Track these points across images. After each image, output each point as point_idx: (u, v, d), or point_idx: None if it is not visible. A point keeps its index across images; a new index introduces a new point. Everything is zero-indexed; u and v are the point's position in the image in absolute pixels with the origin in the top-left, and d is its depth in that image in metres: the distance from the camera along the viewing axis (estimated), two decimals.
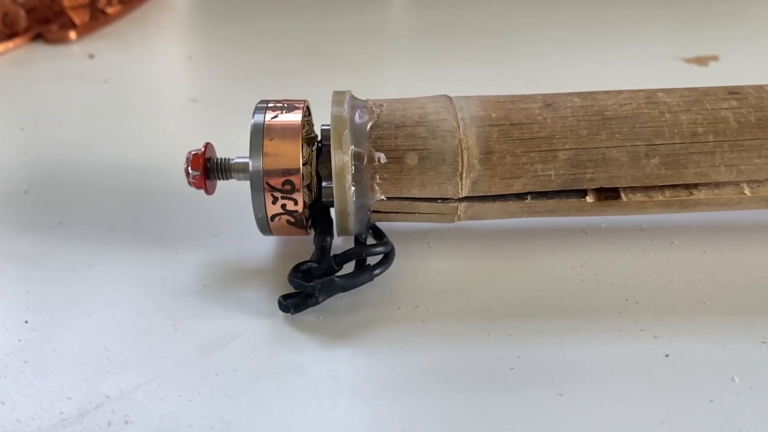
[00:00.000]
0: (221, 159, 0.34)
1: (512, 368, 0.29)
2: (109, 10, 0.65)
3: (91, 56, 0.59)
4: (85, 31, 0.62)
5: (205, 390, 0.28)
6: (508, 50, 0.62)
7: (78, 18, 0.61)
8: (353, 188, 0.31)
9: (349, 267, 0.33)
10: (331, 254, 0.32)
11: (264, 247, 0.36)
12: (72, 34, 0.61)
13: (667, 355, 0.30)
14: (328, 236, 0.33)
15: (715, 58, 0.58)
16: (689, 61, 0.57)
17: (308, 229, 0.34)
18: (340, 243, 0.36)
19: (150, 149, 0.45)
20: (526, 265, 0.35)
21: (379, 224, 0.35)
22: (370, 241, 0.34)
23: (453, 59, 0.60)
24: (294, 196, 0.31)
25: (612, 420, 0.27)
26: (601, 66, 0.58)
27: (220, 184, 0.35)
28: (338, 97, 0.32)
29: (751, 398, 0.28)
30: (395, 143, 0.31)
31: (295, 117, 0.32)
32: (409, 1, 0.77)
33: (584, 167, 0.31)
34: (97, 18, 0.64)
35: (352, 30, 0.67)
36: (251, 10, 0.72)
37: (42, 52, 0.60)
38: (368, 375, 0.29)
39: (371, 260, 0.33)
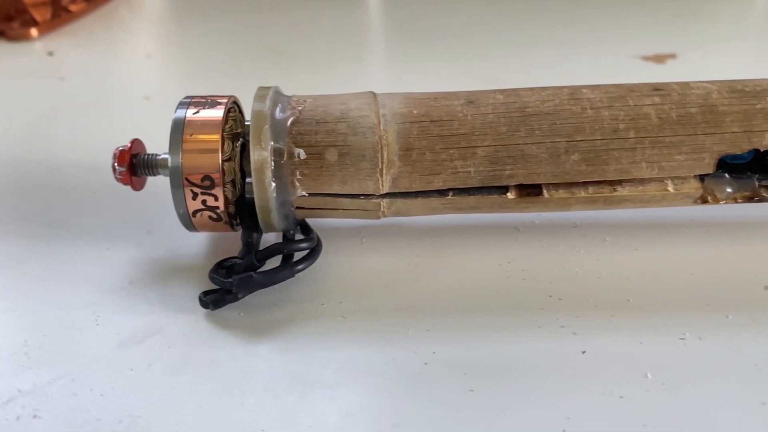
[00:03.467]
0: (148, 155, 0.34)
1: (426, 363, 0.29)
2: (73, 7, 0.65)
3: (51, 53, 0.59)
4: (47, 28, 0.62)
5: (118, 385, 0.28)
6: (474, 49, 0.62)
7: (39, 15, 0.61)
8: (273, 184, 0.31)
9: (277, 262, 0.33)
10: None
11: (196, 243, 0.36)
12: (33, 32, 0.61)
13: (583, 352, 0.30)
14: (254, 232, 0.33)
15: (673, 56, 0.58)
16: (647, 59, 0.57)
17: (235, 226, 0.34)
18: (275, 239, 0.36)
19: (96, 146, 0.45)
20: (455, 262, 0.35)
21: (312, 221, 0.35)
22: (299, 237, 0.34)
23: (424, 59, 0.60)
24: (214, 192, 0.31)
25: (517, 416, 0.27)
26: (559, 63, 0.58)
27: (160, 181, 0.36)
28: (261, 92, 0.32)
29: (660, 394, 0.27)
30: (315, 139, 0.31)
31: (217, 113, 0.32)
32: (383, 1, 0.78)
33: (503, 164, 0.31)
34: (60, 15, 0.64)
35: (321, 29, 0.67)
36: (225, 9, 0.72)
37: (2, 49, 0.61)
38: (282, 371, 0.29)
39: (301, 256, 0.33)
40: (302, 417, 0.27)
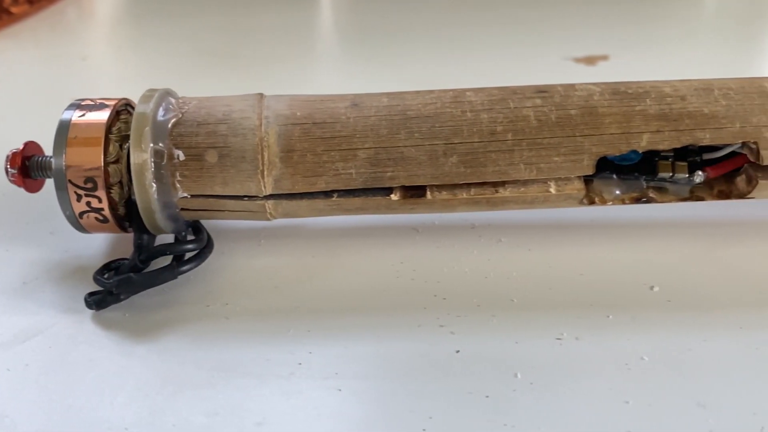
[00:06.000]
0: (41, 158, 0.34)
1: (300, 363, 0.29)
2: (14, 9, 0.65)
3: None
4: None
5: None
6: (415, 52, 0.62)
7: None
8: (154, 186, 0.31)
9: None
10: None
11: (96, 245, 0.37)
12: None
13: (457, 351, 0.30)
14: (145, 234, 0.33)
15: (605, 57, 0.58)
16: (578, 60, 0.58)
17: (128, 228, 0.34)
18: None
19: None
20: (349, 263, 0.35)
21: (213, 223, 0.35)
22: (190, 238, 0.34)
23: (373, 62, 0.61)
24: (97, 194, 0.31)
25: (379, 415, 0.27)
26: (491, 65, 0.58)
27: None
28: (148, 93, 0.32)
29: (526, 394, 0.28)
30: (196, 141, 0.31)
31: (102, 115, 0.32)
32: (337, 4, 0.78)
33: (384, 166, 0.31)
34: (1, 18, 0.64)
35: (269, 33, 0.68)
36: (178, 13, 0.72)
37: None
38: (156, 371, 0.29)
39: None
40: (168, 416, 0.27)
